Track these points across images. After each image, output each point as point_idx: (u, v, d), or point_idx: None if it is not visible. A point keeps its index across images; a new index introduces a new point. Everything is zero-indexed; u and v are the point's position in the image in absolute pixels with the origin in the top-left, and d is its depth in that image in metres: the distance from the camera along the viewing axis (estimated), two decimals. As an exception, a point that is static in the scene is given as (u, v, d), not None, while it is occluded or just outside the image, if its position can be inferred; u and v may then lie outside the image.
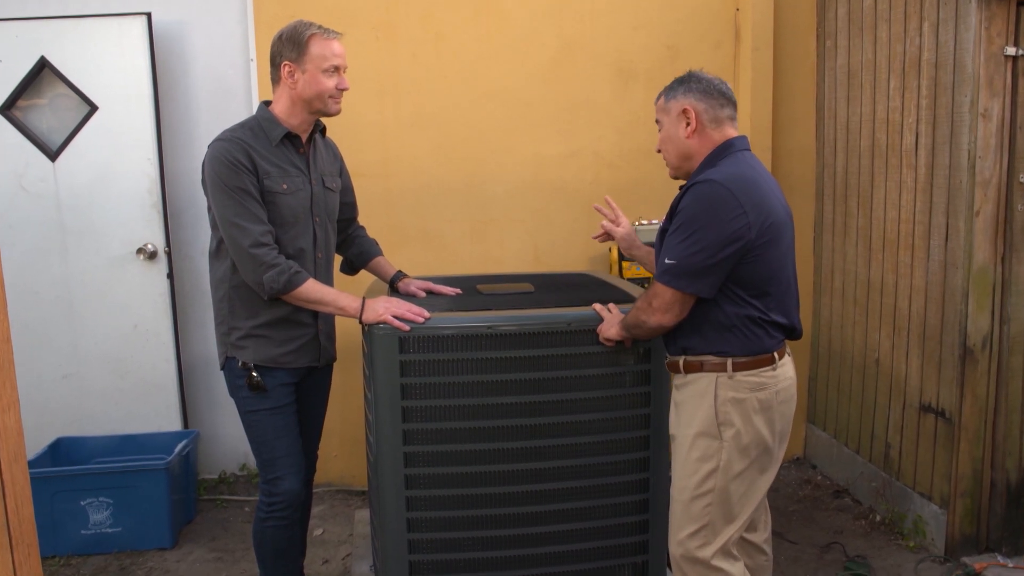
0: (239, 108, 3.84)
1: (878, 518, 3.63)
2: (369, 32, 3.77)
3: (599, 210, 2.89)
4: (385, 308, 2.47)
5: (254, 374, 2.51)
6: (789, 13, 4.01)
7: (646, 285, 3.85)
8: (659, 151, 2.45)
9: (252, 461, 4.13)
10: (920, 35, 3.25)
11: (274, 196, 2.48)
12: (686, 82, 2.32)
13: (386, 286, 2.96)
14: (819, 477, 4.12)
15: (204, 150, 3.80)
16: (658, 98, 2.40)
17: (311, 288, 2.48)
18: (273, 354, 2.54)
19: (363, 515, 3.63)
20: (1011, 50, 2.96)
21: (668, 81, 3.91)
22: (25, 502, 1.02)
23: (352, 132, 3.65)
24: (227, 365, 2.58)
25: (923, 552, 3.33)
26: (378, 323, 2.47)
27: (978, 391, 3.15)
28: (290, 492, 2.56)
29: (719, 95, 2.29)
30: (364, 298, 2.54)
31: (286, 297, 2.47)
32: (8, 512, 0.97)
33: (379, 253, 2.99)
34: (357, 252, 2.96)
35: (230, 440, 4.08)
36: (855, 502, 3.83)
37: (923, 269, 3.31)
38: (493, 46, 3.88)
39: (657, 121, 2.41)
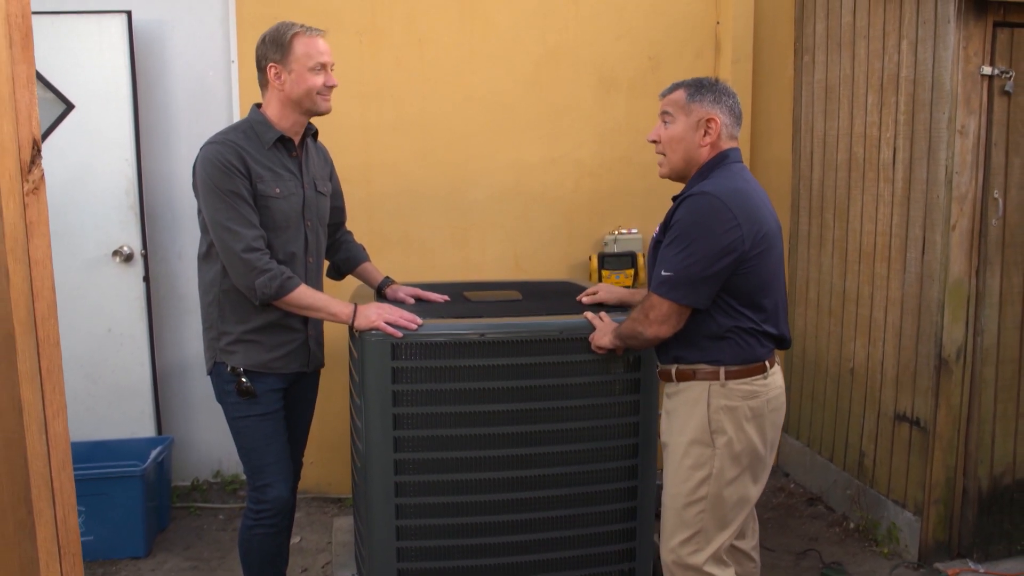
0: (219, 109, 3.79)
1: (852, 525, 3.70)
2: (353, 36, 3.75)
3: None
4: (378, 314, 2.45)
5: (243, 379, 2.47)
6: (768, 27, 4.07)
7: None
8: (654, 142, 2.38)
9: (226, 468, 4.07)
10: (899, 52, 3.32)
11: (267, 200, 2.46)
12: (715, 90, 2.29)
13: (371, 292, 2.95)
14: (792, 485, 4.18)
15: (183, 151, 3.79)
16: (671, 90, 2.34)
17: (303, 294, 2.45)
18: (263, 359, 2.51)
19: (342, 523, 3.60)
20: (987, 69, 3.05)
21: (649, 90, 4.02)
22: (71, 511, 1.00)
23: (334, 136, 3.60)
24: (215, 370, 2.54)
25: (897, 558, 3.40)
26: (370, 329, 2.45)
27: (952, 401, 3.22)
28: (279, 499, 2.53)
29: (739, 116, 2.33)
30: (356, 304, 2.52)
31: (277, 303, 2.45)
32: (57, 521, 0.95)
33: (366, 259, 2.97)
34: (344, 257, 2.94)
35: (204, 447, 4.02)
36: (828, 509, 3.89)
37: (899, 281, 3.38)
38: (476, 51, 3.88)
39: (666, 113, 2.34)
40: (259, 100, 2.61)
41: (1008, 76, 3.05)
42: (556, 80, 3.96)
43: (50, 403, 0.95)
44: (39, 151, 0.94)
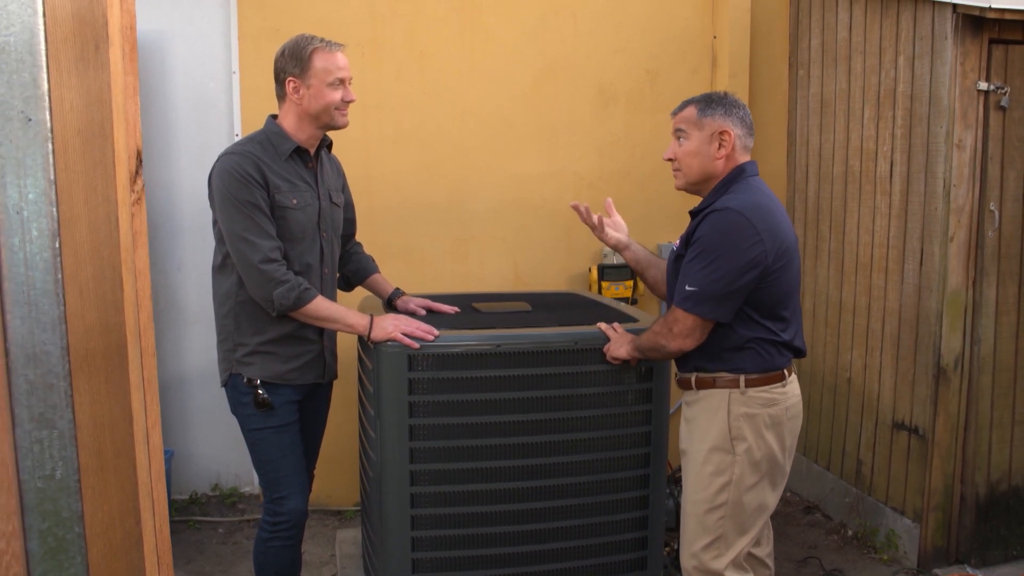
0: (219, 121, 3.78)
1: (850, 533, 3.75)
2: (355, 48, 3.76)
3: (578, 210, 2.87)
4: (394, 326, 2.46)
5: (260, 391, 2.47)
6: (763, 42, 4.14)
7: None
8: (670, 159, 2.42)
9: (224, 481, 4.04)
10: (896, 68, 3.39)
11: (284, 211, 2.46)
12: (725, 104, 2.33)
13: (379, 302, 2.96)
14: (788, 493, 4.23)
15: (183, 163, 3.78)
16: (684, 107, 2.39)
17: (320, 305, 2.45)
18: (279, 370, 2.51)
19: (345, 535, 3.58)
20: (983, 85, 3.12)
21: (647, 104, 4.06)
22: (165, 523, 1.00)
23: (336, 147, 3.61)
24: (231, 382, 2.53)
25: (896, 565, 3.44)
26: (387, 341, 2.46)
27: (950, 409, 3.28)
28: (296, 511, 2.53)
29: (751, 126, 2.37)
30: (372, 315, 2.53)
31: (294, 314, 2.45)
32: (156, 533, 0.95)
33: (376, 270, 2.98)
34: (355, 268, 2.94)
35: (202, 460, 3.99)
36: (826, 517, 3.94)
37: (897, 292, 3.45)
38: (477, 65, 3.91)
39: (679, 131, 2.38)
40: (260, 111, 2.61)
41: (1003, 91, 3.13)
42: (555, 94, 4.00)
43: (150, 413, 0.95)
44: (141, 162, 0.94)
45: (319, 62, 2.47)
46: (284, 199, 2.46)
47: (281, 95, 2.54)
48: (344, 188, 2.81)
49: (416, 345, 2.46)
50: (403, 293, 2.90)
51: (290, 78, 2.48)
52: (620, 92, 4.06)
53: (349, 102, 2.54)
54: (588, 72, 4.02)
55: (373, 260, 2.99)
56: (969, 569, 3.35)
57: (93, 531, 0.85)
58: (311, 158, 2.57)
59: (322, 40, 2.50)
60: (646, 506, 2.74)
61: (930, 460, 3.31)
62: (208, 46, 3.76)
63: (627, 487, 2.72)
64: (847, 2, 3.69)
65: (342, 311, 2.49)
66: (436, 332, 2.50)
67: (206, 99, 3.78)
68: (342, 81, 2.50)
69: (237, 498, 4.00)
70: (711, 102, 2.35)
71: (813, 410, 4.07)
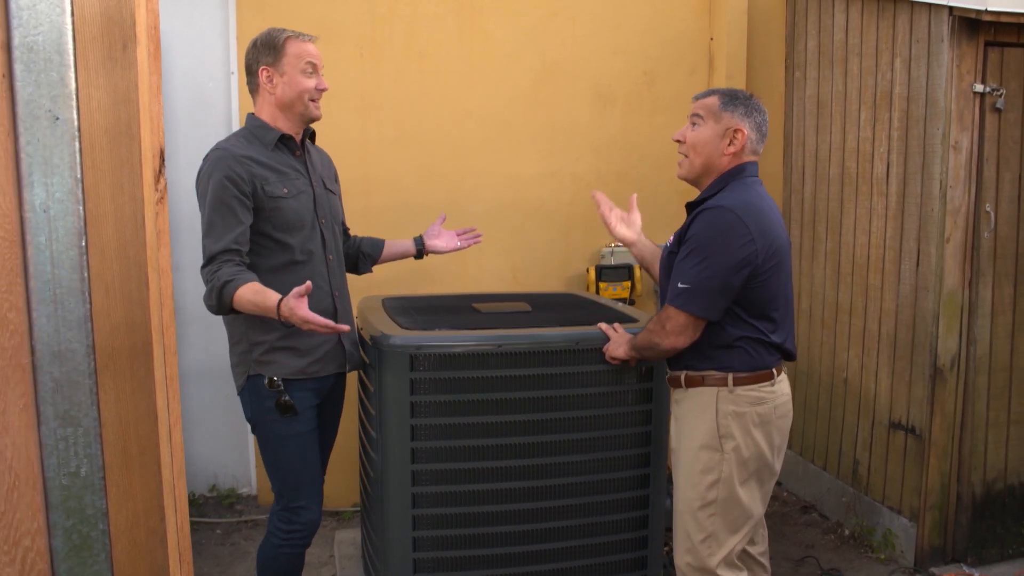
0: (218, 121, 3.77)
1: (847, 532, 3.77)
2: (353, 49, 3.77)
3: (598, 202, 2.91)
4: (301, 316, 2.16)
5: (285, 397, 2.43)
6: (760, 44, 4.16)
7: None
8: (679, 140, 2.43)
9: (222, 482, 4.03)
10: (892, 70, 3.42)
11: (276, 201, 2.44)
12: (747, 104, 2.35)
13: (376, 302, 2.98)
14: (785, 493, 4.25)
15: (181, 162, 3.77)
16: (706, 95, 2.40)
17: (243, 296, 2.24)
18: (300, 365, 2.48)
19: (343, 536, 3.59)
20: (979, 87, 3.15)
21: (645, 105, 4.08)
22: (185, 520, 1.00)
23: (334, 149, 3.61)
24: (249, 385, 2.48)
25: (893, 564, 3.46)
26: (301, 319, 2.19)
27: (947, 409, 3.31)
28: (313, 523, 2.52)
29: (765, 134, 2.39)
30: (280, 299, 2.22)
31: (239, 310, 2.28)
32: (178, 530, 0.95)
33: (384, 240, 3.02)
34: (369, 244, 2.97)
35: (200, 461, 3.98)
36: (822, 517, 3.96)
37: (893, 292, 3.47)
38: (476, 67, 3.92)
39: (696, 115, 2.39)
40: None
41: (999, 93, 3.16)
42: (554, 96, 4.01)
43: (172, 411, 0.96)
44: (164, 160, 0.95)
45: (292, 49, 2.48)
46: (274, 189, 2.44)
47: (254, 87, 2.53)
48: (336, 179, 2.82)
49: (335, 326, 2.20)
50: (422, 234, 3.01)
51: (263, 67, 2.48)
52: (618, 94, 4.07)
53: (322, 90, 2.54)
54: (586, 74, 4.04)
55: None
56: (966, 568, 3.37)
57: (117, 528, 0.85)
58: (297, 146, 2.57)
59: (293, 31, 2.52)
60: (646, 506, 2.76)
61: (927, 460, 3.33)
62: (207, 46, 3.76)
63: (627, 487, 2.73)
64: (843, 4, 3.71)
65: (261, 296, 2.24)
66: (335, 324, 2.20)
67: (205, 99, 3.79)
68: (315, 68, 2.51)
69: (235, 499, 4.00)
70: (735, 98, 2.37)
71: (810, 410, 4.09)
